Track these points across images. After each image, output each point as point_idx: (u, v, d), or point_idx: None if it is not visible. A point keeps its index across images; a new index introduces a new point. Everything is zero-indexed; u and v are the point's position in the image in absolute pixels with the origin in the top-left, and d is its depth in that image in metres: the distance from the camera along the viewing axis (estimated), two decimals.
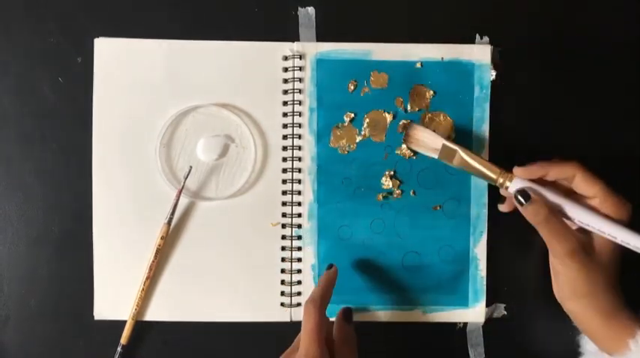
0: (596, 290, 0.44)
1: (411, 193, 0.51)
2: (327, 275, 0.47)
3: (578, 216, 0.44)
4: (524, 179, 0.45)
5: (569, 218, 0.44)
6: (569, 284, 0.45)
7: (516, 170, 0.46)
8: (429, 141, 0.48)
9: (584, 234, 0.45)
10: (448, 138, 0.48)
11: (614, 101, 0.52)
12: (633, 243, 0.43)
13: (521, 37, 0.52)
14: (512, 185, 0.45)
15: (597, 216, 0.44)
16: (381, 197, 0.51)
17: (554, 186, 0.46)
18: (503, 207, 0.49)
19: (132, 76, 0.51)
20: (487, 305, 0.51)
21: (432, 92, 0.51)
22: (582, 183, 0.44)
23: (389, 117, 0.51)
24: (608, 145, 0.52)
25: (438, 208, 0.51)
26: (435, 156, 0.48)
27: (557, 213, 0.44)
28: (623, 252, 0.44)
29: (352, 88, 0.51)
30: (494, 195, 0.51)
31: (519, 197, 0.44)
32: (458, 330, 0.52)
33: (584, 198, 0.45)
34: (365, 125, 0.51)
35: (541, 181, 0.46)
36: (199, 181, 0.51)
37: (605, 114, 0.52)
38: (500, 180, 0.46)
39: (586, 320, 0.45)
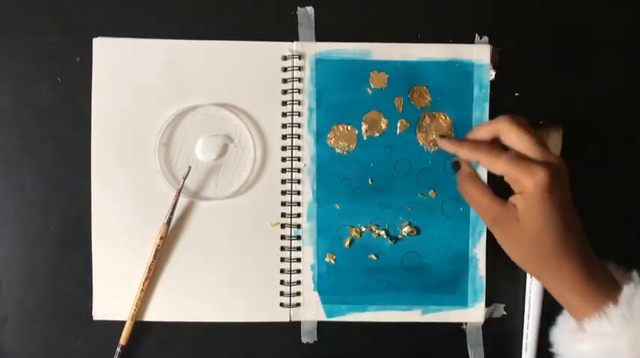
0: (534, 258, 0.42)
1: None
2: None
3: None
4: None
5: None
6: (506, 252, 0.44)
7: (440, 141, 0.47)
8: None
9: (509, 205, 0.42)
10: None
11: (614, 101, 0.52)
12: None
13: (521, 37, 0.52)
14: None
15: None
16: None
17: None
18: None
19: (131, 76, 0.51)
20: (486, 306, 0.51)
21: (431, 92, 0.51)
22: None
23: (388, 118, 0.51)
24: (608, 145, 0.52)
25: (438, 208, 0.51)
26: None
27: (479, 182, 0.44)
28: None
29: (352, 87, 0.51)
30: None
31: (453, 168, 0.47)
32: (458, 330, 0.52)
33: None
34: (364, 125, 0.51)
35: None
36: (198, 181, 0.51)
37: (605, 114, 0.52)
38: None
39: (546, 285, 0.44)
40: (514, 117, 0.43)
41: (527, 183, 0.40)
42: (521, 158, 0.41)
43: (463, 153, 0.44)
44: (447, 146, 0.46)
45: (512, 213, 0.42)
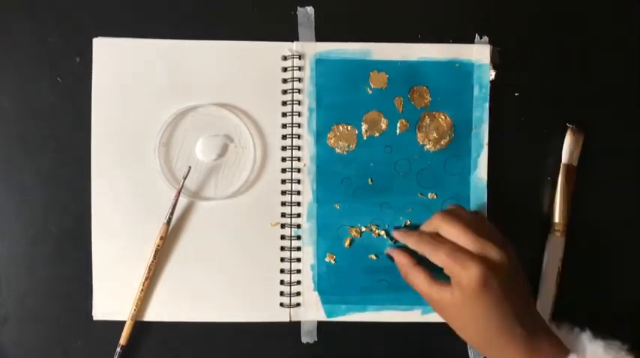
0: (476, 341, 0.44)
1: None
2: None
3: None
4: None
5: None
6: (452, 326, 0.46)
7: (394, 233, 0.50)
8: None
9: (451, 291, 0.44)
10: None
11: (614, 101, 0.52)
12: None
13: (521, 37, 0.51)
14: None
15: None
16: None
17: None
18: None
19: (131, 76, 0.51)
20: None
21: (431, 92, 0.51)
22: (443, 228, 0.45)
23: (388, 118, 0.51)
24: (608, 144, 0.52)
25: (438, 208, 0.51)
26: None
27: (418, 270, 0.46)
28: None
29: (351, 87, 0.51)
30: (495, 195, 0.51)
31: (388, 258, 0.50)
32: None
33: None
34: (364, 125, 0.51)
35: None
36: (198, 181, 0.51)
37: (604, 114, 0.52)
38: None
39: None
40: (446, 213, 0.46)
41: (462, 278, 0.42)
42: (458, 250, 0.43)
43: (411, 243, 0.47)
44: (397, 237, 0.49)
45: (452, 299, 0.43)
